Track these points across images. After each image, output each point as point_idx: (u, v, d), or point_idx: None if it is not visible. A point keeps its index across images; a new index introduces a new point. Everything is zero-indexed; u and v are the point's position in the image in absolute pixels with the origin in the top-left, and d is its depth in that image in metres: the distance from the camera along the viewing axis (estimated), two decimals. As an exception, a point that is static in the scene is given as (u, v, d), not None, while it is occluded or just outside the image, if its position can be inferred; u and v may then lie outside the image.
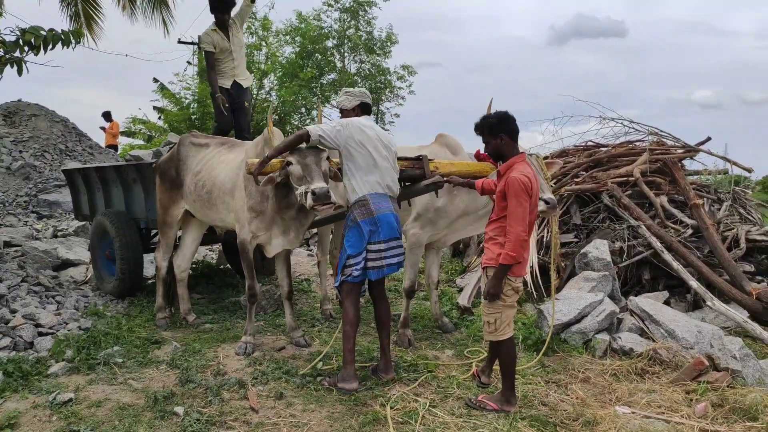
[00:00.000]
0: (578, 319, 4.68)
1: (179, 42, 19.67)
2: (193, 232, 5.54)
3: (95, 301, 5.74)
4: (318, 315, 5.63)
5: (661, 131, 6.86)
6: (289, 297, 4.78)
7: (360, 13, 23.00)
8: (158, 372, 4.09)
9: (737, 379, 3.87)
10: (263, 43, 20.20)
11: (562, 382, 4.00)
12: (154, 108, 20.33)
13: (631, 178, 6.26)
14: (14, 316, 4.56)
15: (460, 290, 6.14)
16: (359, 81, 23.40)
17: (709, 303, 4.85)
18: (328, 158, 3.83)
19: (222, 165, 4.82)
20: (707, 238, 5.47)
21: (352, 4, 22.77)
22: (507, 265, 3.30)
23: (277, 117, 18.87)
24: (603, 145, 7.22)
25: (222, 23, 6.56)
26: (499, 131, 3.45)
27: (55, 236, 9.12)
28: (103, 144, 15.56)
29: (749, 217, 6.30)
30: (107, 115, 16.35)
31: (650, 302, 4.87)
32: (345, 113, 4.12)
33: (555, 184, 6.51)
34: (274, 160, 3.85)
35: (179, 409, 3.44)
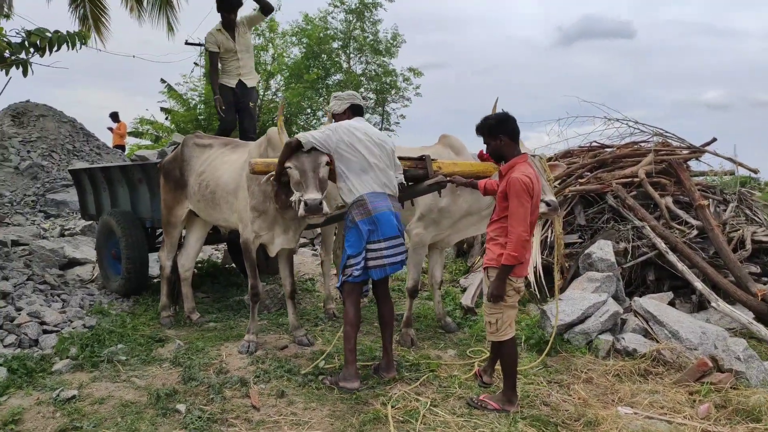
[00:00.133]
0: (581, 320, 4.66)
1: (186, 43, 19.78)
2: (197, 231, 5.57)
3: (100, 300, 5.79)
4: (321, 314, 5.65)
5: (666, 132, 6.85)
6: (291, 296, 4.79)
7: (365, 14, 23.03)
8: (161, 370, 4.11)
9: (741, 381, 3.85)
10: (270, 44, 20.26)
11: (565, 382, 3.99)
12: (162, 109, 20.44)
13: (635, 179, 6.23)
14: (20, 314, 4.60)
15: (464, 290, 6.13)
16: (365, 82, 23.44)
17: (713, 304, 4.82)
18: (327, 163, 3.80)
19: (225, 165, 4.84)
20: (712, 239, 5.44)
21: (357, 5, 22.81)
22: (509, 266, 3.29)
23: (283, 117, 18.90)
24: (608, 146, 7.20)
25: (228, 23, 6.58)
26: (498, 132, 3.46)
27: (62, 235, 9.19)
28: (110, 144, 15.67)
29: (755, 218, 6.26)
30: (115, 116, 16.45)
31: (654, 303, 4.85)
32: (337, 117, 4.15)
33: (559, 184, 6.51)
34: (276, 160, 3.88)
35: (181, 407, 3.46)
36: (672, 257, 5.29)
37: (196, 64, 20.12)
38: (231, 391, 3.74)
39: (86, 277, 6.79)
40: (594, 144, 7.32)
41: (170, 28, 11.52)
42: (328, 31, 22.63)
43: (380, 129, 23.87)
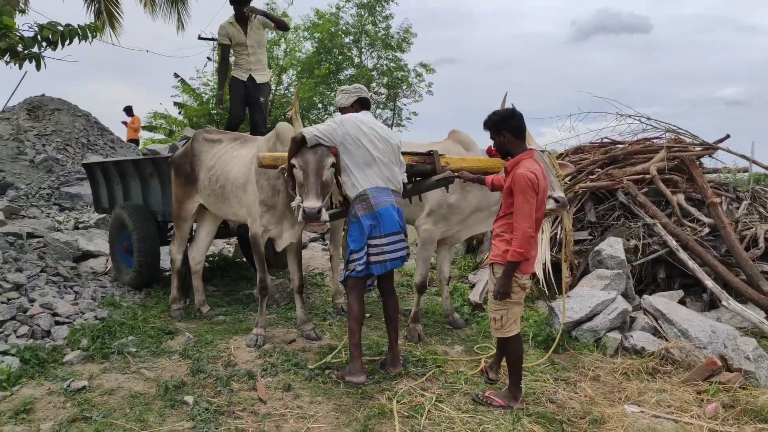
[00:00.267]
0: (590, 317, 4.64)
1: (199, 38, 19.82)
2: (207, 225, 5.62)
3: (112, 292, 5.86)
4: (330, 309, 5.67)
5: (679, 128, 6.77)
6: (299, 290, 4.82)
7: (377, 8, 22.98)
8: (170, 362, 4.16)
9: (750, 380, 3.81)
10: (282, 39, 20.29)
11: (572, 379, 3.98)
12: (175, 104, 20.57)
13: (647, 176, 6.17)
14: (32, 305, 4.66)
15: (473, 286, 6.13)
16: (376, 77, 23.40)
17: (724, 303, 4.78)
18: (333, 164, 3.77)
19: (235, 160, 4.87)
20: (724, 237, 5.39)
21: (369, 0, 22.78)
22: (515, 263, 3.28)
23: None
24: (619, 142, 7.13)
25: (240, 16, 6.56)
26: (501, 128, 3.46)
27: (76, 228, 9.30)
28: (124, 138, 15.81)
29: (769, 216, 6.18)
30: (129, 110, 16.59)
31: (664, 301, 4.82)
32: (344, 111, 4.13)
33: (570, 181, 6.46)
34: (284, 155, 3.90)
35: (189, 399, 3.50)
36: (683, 255, 5.24)
37: (209, 58, 20.22)
38: (238, 383, 3.78)
39: (100, 269, 6.87)
40: (605, 140, 7.26)
41: (180, 24, 11.60)
42: (340, 26, 22.62)
43: (391, 124, 23.95)
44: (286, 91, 20.07)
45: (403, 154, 4.19)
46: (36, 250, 6.52)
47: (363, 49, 23.65)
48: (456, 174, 4.19)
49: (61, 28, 4.66)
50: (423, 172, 4.31)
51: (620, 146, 7.02)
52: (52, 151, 12.32)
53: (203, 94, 19.79)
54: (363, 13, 23.10)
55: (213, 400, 3.52)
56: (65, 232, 8.62)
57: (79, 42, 4.89)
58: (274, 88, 18.77)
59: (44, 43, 4.73)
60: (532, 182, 3.23)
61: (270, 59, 18.99)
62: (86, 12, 10.87)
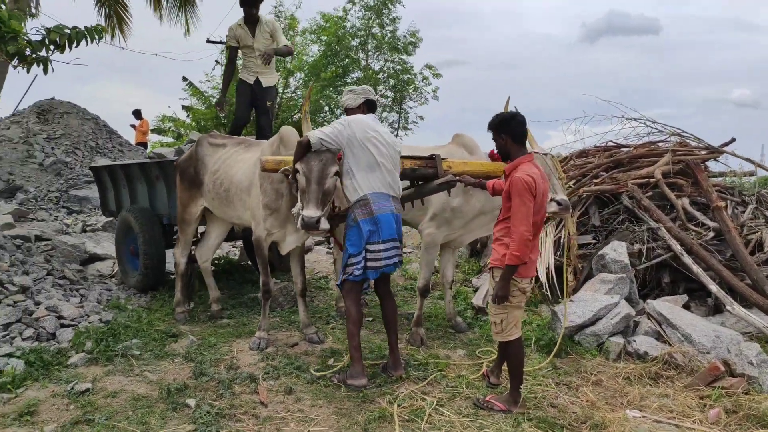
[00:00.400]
0: (593, 322, 4.63)
1: (208, 41, 19.93)
2: (218, 227, 5.66)
3: (118, 295, 5.90)
4: (333, 312, 5.69)
5: (684, 132, 6.73)
6: (302, 294, 4.84)
7: (384, 11, 23.02)
8: (173, 365, 4.18)
9: (753, 386, 3.79)
10: (290, 43, 20.37)
11: (573, 384, 3.97)
12: (183, 107, 20.69)
13: (652, 180, 6.15)
14: (38, 308, 4.71)
15: (476, 290, 6.13)
16: (383, 79, 23.43)
17: (728, 307, 4.75)
18: (336, 173, 3.77)
19: (239, 164, 4.90)
20: (729, 241, 5.35)
21: (376, 2, 22.82)
22: (513, 266, 3.29)
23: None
24: (624, 146, 7.10)
25: (249, 18, 6.57)
26: (500, 132, 3.48)
27: (84, 231, 9.39)
28: (133, 141, 15.92)
29: (775, 220, 6.13)
30: (137, 113, 16.71)
31: (668, 306, 4.80)
32: (350, 112, 4.13)
33: (574, 184, 6.45)
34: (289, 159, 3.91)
35: (191, 401, 3.53)
36: (687, 259, 5.22)
37: (217, 62, 20.30)
38: (240, 386, 3.80)
39: (107, 272, 6.92)
40: (610, 144, 7.24)
41: (188, 28, 11.69)
42: (347, 27, 22.67)
43: (398, 127, 23.96)
44: (294, 95, 20.13)
45: (405, 157, 4.21)
46: (43, 253, 6.58)
47: (369, 52, 23.71)
48: (458, 178, 4.20)
49: (68, 31, 4.70)
50: (425, 175, 4.31)
51: (625, 150, 7.00)
52: (61, 155, 12.42)
53: (211, 98, 19.88)
54: (370, 15, 23.16)
55: (215, 403, 3.54)
56: (73, 235, 8.70)
57: (87, 44, 4.93)
58: (281, 91, 18.84)
59: (52, 47, 4.76)
60: (529, 185, 3.24)
61: (277, 62, 19.07)
62: (97, 15, 11.00)
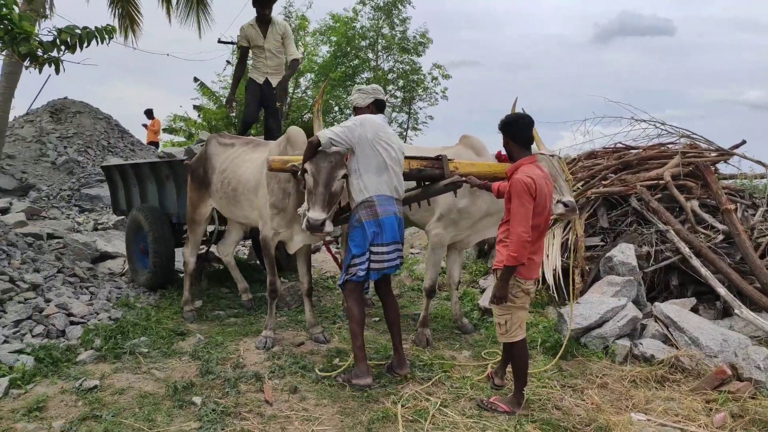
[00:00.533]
0: (599, 324, 4.61)
1: (219, 41, 20.05)
2: (238, 224, 5.73)
3: (127, 293, 5.96)
4: (340, 312, 5.70)
5: (694, 134, 6.69)
6: (309, 294, 4.87)
7: (393, 11, 23.04)
8: (181, 363, 4.22)
9: (760, 390, 3.76)
10: (300, 43, 20.45)
11: (579, 386, 3.96)
12: (194, 107, 20.82)
13: (661, 182, 6.11)
14: (48, 305, 4.77)
15: (483, 291, 6.12)
16: (392, 79, 23.44)
17: (737, 311, 4.71)
18: (344, 176, 3.78)
19: (247, 163, 4.94)
20: (738, 244, 5.31)
21: (386, 2, 22.84)
22: (511, 267, 3.29)
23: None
24: (633, 148, 7.07)
25: (262, 18, 6.59)
26: (505, 133, 3.50)
27: (95, 229, 9.50)
28: (144, 141, 16.05)
29: (787, 223, 6.07)
30: (149, 113, 16.84)
31: (675, 309, 4.77)
32: (359, 111, 4.13)
33: (582, 186, 6.43)
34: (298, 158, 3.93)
35: (197, 399, 3.56)
36: (695, 262, 5.18)
37: (228, 62, 20.42)
38: (246, 385, 3.83)
39: (117, 270, 7.00)
40: (619, 145, 7.20)
41: (200, 28, 11.75)
42: (356, 29, 22.69)
43: (407, 128, 23.97)
44: (304, 95, 20.21)
45: (412, 158, 4.22)
46: (54, 251, 6.66)
47: (379, 53, 23.74)
48: (464, 179, 4.20)
49: (78, 32, 4.76)
50: (432, 176, 4.32)
51: (634, 151, 6.96)
52: (73, 153, 12.56)
53: (222, 98, 20.00)
54: (380, 16, 23.18)
55: (220, 401, 3.57)
56: (84, 233, 8.80)
57: (97, 44, 4.98)
58: (291, 91, 18.91)
59: (63, 47, 4.82)
60: (528, 186, 3.24)
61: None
62: (110, 15, 11.10)
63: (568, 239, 5.91)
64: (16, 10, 4.63)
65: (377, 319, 5.47)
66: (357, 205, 3.80)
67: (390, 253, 3.79)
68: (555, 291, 5.43)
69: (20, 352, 4.04)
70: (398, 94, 23.86)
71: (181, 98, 61.73)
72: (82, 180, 11.82)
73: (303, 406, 3.55)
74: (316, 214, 3.60)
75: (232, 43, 19.24)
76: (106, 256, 7.45)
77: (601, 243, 5.98)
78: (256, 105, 6.80)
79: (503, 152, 3.99)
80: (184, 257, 5.69)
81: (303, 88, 20.51)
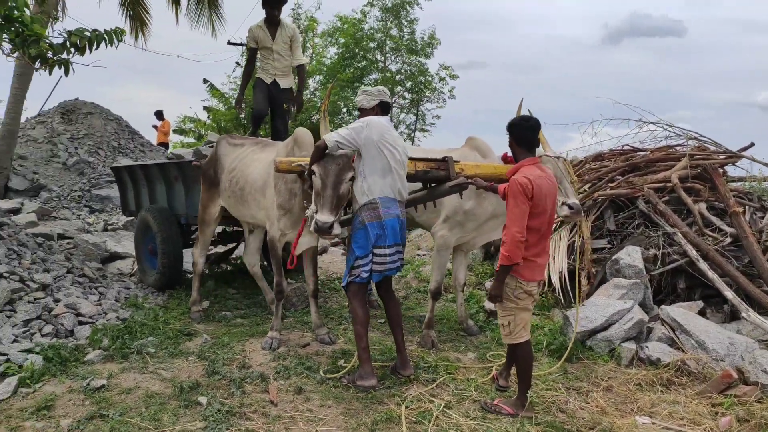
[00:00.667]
0: (605, 327, 4.60)
1: (228, 43, 20.15)
2: (256, 233, 5.75)
3: (136, 293, 6.00)
4: (346, 313, 5.72)
5: (702, 136, 6.65)
6: (314, 295, 4.89)
7: (401, 13, 23.06)
8: (187, 363, 4.26)
9: (766, 394, 3.75)
10: (308, 44, 20.52)
11: (584, 389, 3.96)
12: (204, 108, 20.94)
13: (668, 184, 6.08)
14: (57, 305, 4.82)
15: (489, 293, 6.11)
16: (400, 81, 23.45)
17: (744, 314, 4.69)
18: (352, 178, 3.79)
19: (255, 163, 4.97)
20: (747, 247, 5.28)
21: (394, 3, 22.86)
22: (506, 266, 3.32)
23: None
24: (641, 150, 7.03)
25: (271, 19, 6.61)
26: (510, 134, 3.54)
27: (105, 230, 9.58)
28: (154, 142, 16.17)
29: (795, 226, 6.02)
30: (159, 114, 16.97)
31: (682, 312, 4.75)
32: (364, 112, 4.15)
33: (589, 188, 6.41)
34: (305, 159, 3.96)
35: (203, 399, 3.59)
36: (702, 265, 5.16)
37: (237, 63, 20.52)
38: (251, 385, 3.86)
39: (127, 270, 7.06)
40: (626, 147, 7.17)
41: (213, 28, 11.84)
42: (364, 30, 22.72)
43: (414, 129, 23.97)
44: (312, 96, 20.25)
45: (418, 160, 4.23)
46: (64, 251, 6.73)
47: (387, 54, 23.76)
48: (470, 180, 4.21)
49: (87, 34, 4.82)
50: (437, 178, 4.33)
51: (641, 153, 6.93)
52: (84, 154, 12.67)
53: (231, 99, 20.10)
54: (388, 17, 23.20)
55: (226, 401, 3.60)
56: (94, 234, 8.88)
57: (106, 47, 5.04)
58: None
59: (72, 49, 4.88)
60: (524, 187, 3.26)
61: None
62: (121, 17, 11.22)
63: (574, 241, 5.90)
64: (28, 12, 4.70)
65: (382, 320, 5.48)
66: (360, 207, 3.81)
67: (392, 255, 3.81)
68: (561, 293, 5.42)
69: (29, 351, 4.08)
70: (406, 95, 23.88)
71: (191, 99, 62.35)
72: (92, 181, 11.92)
73: (307, 407, 3.57)
74: (325, 216, 3.62)
75: (241, 44, 19.35)
76: (115, 257, 7.52)
77: (608, 245, 5.96)
78: (265, 97, 6.78)
79: (509, 153, 4.01)
80: (194, 257, 5.74)
81: (311, 90, 20.55)
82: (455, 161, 4.34)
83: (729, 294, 4.88)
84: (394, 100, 23.18)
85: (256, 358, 4.37)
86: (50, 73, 4.90)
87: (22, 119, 11.95)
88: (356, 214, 3.85)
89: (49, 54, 4.71)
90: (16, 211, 9.05)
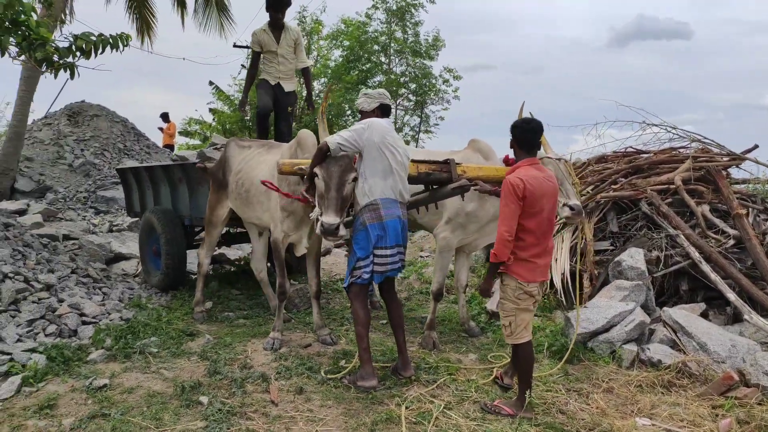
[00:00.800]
0: (606, 329, 4.60)
1: (234, 46, 20.26)
2: (262, 238, 5.78)
3: (139, 294, 6.04)
4: (348, 315, 5.74)
5: (705, 138, 6.64)
6: (317, 296, 4.91)
7: (406, 15, 23.11)
8: (189, 363, 4.28)
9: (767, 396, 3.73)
10: (314, 47, 20.59)
11: (584, 391, 3.96)
12: (210, 110, 21.05)
13: (671, 186, 6.07)
14: (61, 305, 4.85)
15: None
16: (404, 83, 23.49)
17: (746, 316, 4.68)
18: (355, 179, 3.80)
19: (261, 165, 5.00)
20: (750, 249, 5.27)
21: (399, 6, 22.91)
22: (495, 264, 3.41)
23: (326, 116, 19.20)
24: (644, 152, 7.03)
25: (275, 22, 6.64)
26: (511, 136, 3.57)
27: (110, 231, 9.63)
28: (160, 144, 16.24)
29: (799, 229, 6.00)
30: (165, 116, 17.04)
31: (684, 314, 4.75)
32: (365, 115, 4.17)
33: (592, 190, 6.41)
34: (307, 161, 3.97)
35: (204, 399, 3.61)
36: (705, 267, 5.15)
37: (243, 66, 20.61)
38: (252, 385, 3.88)
39: (131, 271, 7.10)
40: (629, 149, 7.17)
41: (222, 30, 11.89)
42: (368, 30, 22.77)
43: (419, 131, 23.99)
44: (317, 98, 20.32)
45: (420, 162, 4.24)
46: (69, 252, 6.77)
47: (391, 56, 23.81)
48: (473, 184, 4.21)
49: (93, 38, 4.87)
50: (439, 180, 4.34)
51: (645, 155, 6.92)
52: (90, 156, 12.73)
53: (236, 101, 20.22)
54: (393, 19, 23.26)
55: (227, 401, 3.62)
56: (99, 235, 8.93)
57: (111, 51, 5.08)
58: (303, 95, 19.02)
59: (78, 53, 4.93)
60: (514, 187, 3.29)
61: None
62: (128, 20, 11.31)
63: (576, 243, 5.90)
64: (34, 16, 4.75)
65: (384, 321, 5.49)
66: (361, 209, 3.82)
67: (393, 256, 3.82)
68: (563, 295, 5.42)
69: (33, 350, 4.12)
70: (411, 97, 23.92)
71: (197, 102, 62.61)
72: (98, 182, 11.99)
73: (308, 407, 3.59)
74: (330, 218, 3.63)
75: (247, 47, 19.42)
76: (120, 257, 7.57)
77: (611, 247, 5.96)
78: (269, 95, 6.78)
79: (511, 156, 4.03)
80: (199, 258, 5.77)
81: (316, 92, 20.63)
82: (457, 163, 4.36)
83: (731, 296, 4.87)
84: (398, 102, 23.23)
85: (257, 358, 4.39)
86: (56, 76, 4.95)
87: (29, 121, 12.04)
88: (357, 216, 3.87)
89: (55, 57, 4.75)
90: (22, 213, 9.12)
